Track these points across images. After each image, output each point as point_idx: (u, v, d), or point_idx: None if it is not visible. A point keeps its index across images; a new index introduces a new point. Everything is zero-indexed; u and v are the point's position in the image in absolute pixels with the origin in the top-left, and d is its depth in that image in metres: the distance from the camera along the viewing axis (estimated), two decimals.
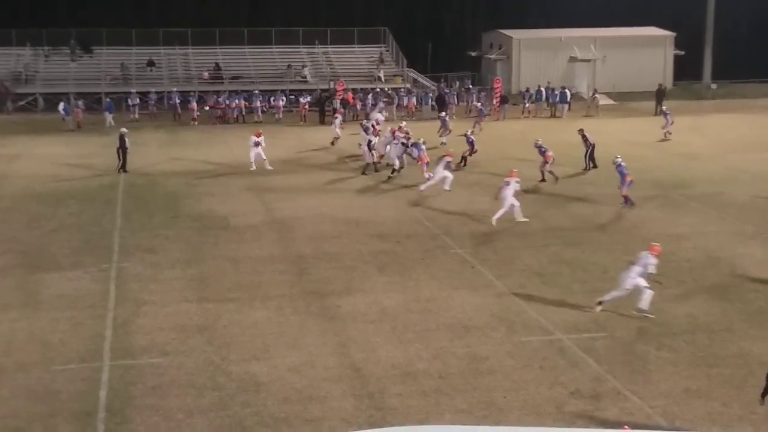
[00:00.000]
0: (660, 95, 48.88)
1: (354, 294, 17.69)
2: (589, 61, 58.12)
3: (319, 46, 57.62)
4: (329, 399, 12.98)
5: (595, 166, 31.09)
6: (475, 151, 32.48)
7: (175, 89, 48.84)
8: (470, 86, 53.76)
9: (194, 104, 45.93)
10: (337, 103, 45.87)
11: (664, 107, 41.60)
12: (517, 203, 23.32)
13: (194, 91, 49.50)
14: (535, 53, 58.42)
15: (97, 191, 27.93)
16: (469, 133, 33.48)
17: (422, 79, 56.64)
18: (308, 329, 15.79)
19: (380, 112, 42.24)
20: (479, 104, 45.20)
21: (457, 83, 55.34)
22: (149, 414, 12.53)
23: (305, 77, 53.93)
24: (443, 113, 40.32)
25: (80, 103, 45.36)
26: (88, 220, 24.01)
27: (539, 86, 50.05)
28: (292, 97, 50.21)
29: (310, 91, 49.86)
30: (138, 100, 46.93)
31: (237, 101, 46.68)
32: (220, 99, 47.14)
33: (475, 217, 24.15)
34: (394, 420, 12.25)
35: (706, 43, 56.47)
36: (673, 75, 59.90)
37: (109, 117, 43.76)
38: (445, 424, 12.04)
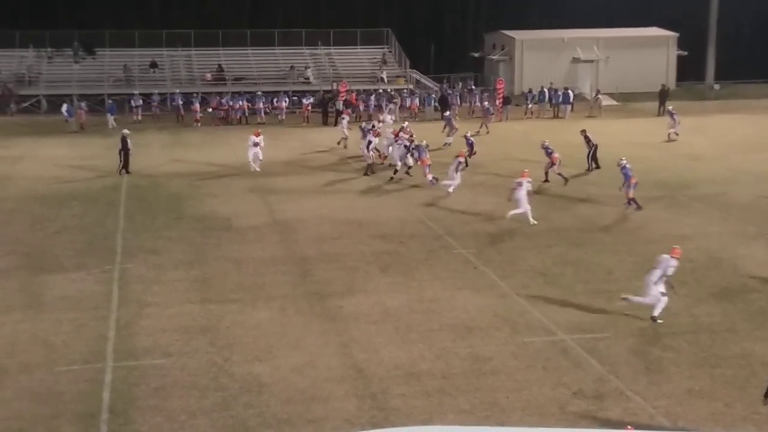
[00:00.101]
0: (663, 96, 48.81)
1: (357, 295, 17.70)
2: (591, 61, 58.05)
3: (322, 47, 57.61)
4: (332, 399, 12.99)
5: (597, 167, 31.07)
6: (474, 153, 32.46)
7: (178, 91, 48.84)
8: (473, 87, 53.70)
9: (197, 106, 45.90)
10: (340, 104, 45.87)
11: (670, 107, 41.46)
12: (528, 206, 23.37)
13: (197, 93, 49.48)
14: (537, 54, 58.34)
15: (100, 193, 27.96)
16: (468, 134, 33.47)
17: (425, 80, 56.59)
18: (311, 330, 15.80)
19: (390, 113, 42.17)
20: (486, 104, 45.25)
21: (460, 84, 55.28)
22: (152, 415, 12.55)
23: (308, 78, 53.91)
24: (448, 113, 40.26)
25: (83, 104, 45.37)
26: (91, 222, 24.04)
27: (542, 87, 50.01)
28: (295, 98, 50.15)
29: (313, 93, 49.81)
30: (141, 102, 46.90)
31: (240, 102, 46.66)
32: (223, 100, 47.14)
33: (478, 217, 24.16)
34: (396, 420, 12.25)
35: (709, 44, 56.36)
36: (676, 75, 59.81)
37: (111, 119, 43.79)
38: (448, 424, 12.05)
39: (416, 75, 56.52)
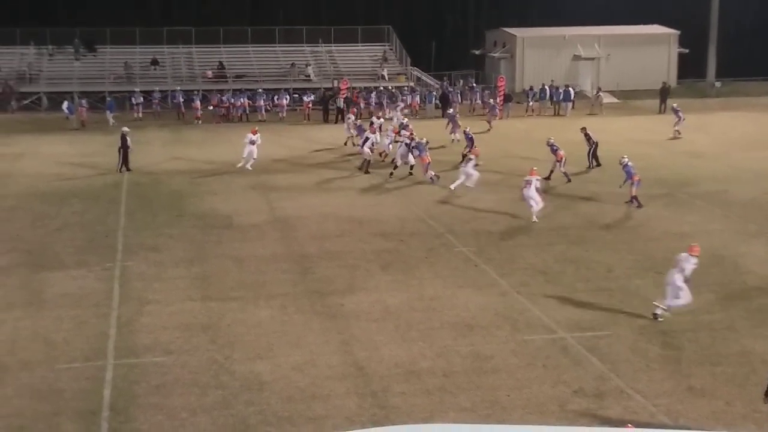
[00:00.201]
0: (664, 93, 48.80)
1: (357, 293, 17.70)
2: (593, 59, 58.04)
3: (323, 44, 57.60)
4: (333, 397, 13.00)
5: (598, 165, 31.07)
6: (474, 148, 32.42)
7: (178, 88, 48.86)
8: (474, 84, 53.70)
9: (198, 103, 45.91)
10: (340, 102, 45.87)
11: (675, 105, 41.42)
12: (541, 203, 23.37)
13: (198, 90, 49.52)
14: (538, 51, 58.34)
15: (100, 190, 27.97)
16: (468, 130, 33.45)
17: (426, 78, 56.57)
18: (312, 328, 15.80)
19: (400, 111, 42.08)
20: (492, 101, 45.23)
21: (461, 82, 55.30)
22: (153, 413, 12.56)
23: (309, 76, 53.88)
24: (451, 110, 40.15)
25: (84, 102, 45.38)
26: (92, 219, 24.04)
27: (543, 84, 50.00)
28: (296, 95, 50.16)
29: (314, 90, 49.81)
30: (142, 99, 46.90)
31: (241, 100, 46.66)
32: (224, 98, 47.13)
33: (479, 215, 24.16)
34: (397, 418, 12.26)
35: (711, 41, 56.35)
36: (677, 73, 59.78)
37: (110, 116, 43.76)
38: (449, 422, 12.05)
39: (417, 72, 56.50)
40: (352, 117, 38.34)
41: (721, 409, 12.65)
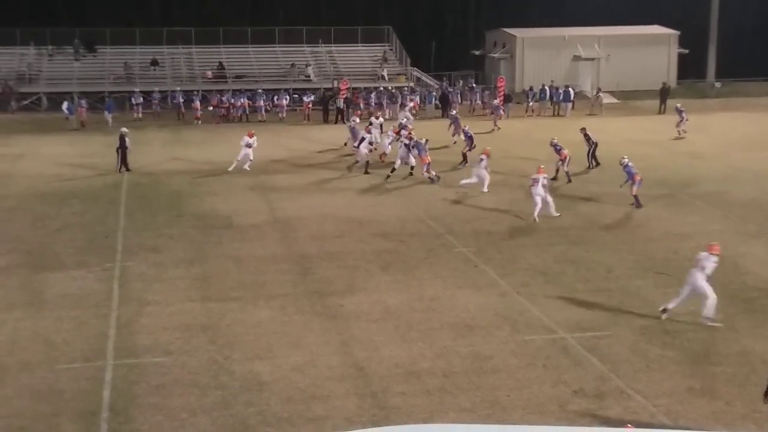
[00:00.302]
0: (664, 94, 48.81)
1: (357, 293, 17.70)
2: (592, 59, 58.06)
3: (323, 45, 57.61)
4: (332, 398, 12.99)
5: (598, 165, 31.07)
6: (474, 147, 32.39)
7: (178, 88, 48.87)
8: (473, 85, 53.69)
9: (198, 103, 45.92)
10: (340, 102, 45.87)
11: (678, 105, 41.33)
12: (539, 203, 23.36)
13: (198, 90, 49.53)
14: (538, 52, 58.35)
15: (100, 191, 27.96)
16: (467, 128, 33.44)
17: (426, 78, 56.58)
18: (311, 328, 15.80)
19: (408, 111, 41.96)
20: (495, 101, 45.25)
21: (461, 82, 55.30)
22: (153, 413, 12.55)
23: (309, 76, 53.90)
24: (454, 112, 40.01)
25: (84, 102, 45.37)
26: (91, 220, 24.04)
27: (543, 85, 50.00)
28: (296, 96, 50.18)
29: (313, 90, 49.82)
30: (141, 100, 46.90)
31: (241, 100, 46.67)
32: (224, 98, 47.14)
33: (479, 215, 24.15)
34: (397, 419, 12.26)
35: (710, 42, 56.36)
36: (677, 73, 59.80)
37: (109, 117, 43.74)
38: (449, 423, 12.04)
39: (417, 73, 56.52)
40: (357, 119, 36.91)
41: (721, 409, 12.65)
